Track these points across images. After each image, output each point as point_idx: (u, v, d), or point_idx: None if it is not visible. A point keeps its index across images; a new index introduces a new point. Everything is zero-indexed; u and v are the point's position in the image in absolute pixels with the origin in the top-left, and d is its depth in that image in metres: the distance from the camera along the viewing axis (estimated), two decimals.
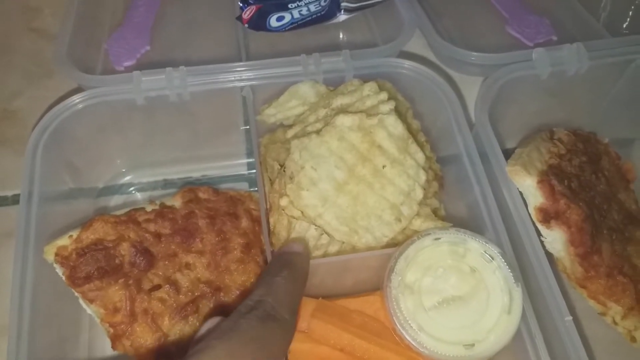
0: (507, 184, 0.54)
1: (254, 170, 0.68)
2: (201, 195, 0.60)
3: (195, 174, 0.68)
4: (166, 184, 0.68)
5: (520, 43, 0.75)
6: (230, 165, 0.68)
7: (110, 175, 0.67)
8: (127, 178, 0.67)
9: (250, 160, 0.69)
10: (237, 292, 0.55)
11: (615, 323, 0.57)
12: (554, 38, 0.76)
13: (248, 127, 0.66)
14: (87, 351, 0.56)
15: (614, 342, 0.60)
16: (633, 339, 0.58)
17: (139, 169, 0.68)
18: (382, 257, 0.51)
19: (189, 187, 0.60)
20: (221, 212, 0.58)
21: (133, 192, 0.67)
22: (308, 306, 0.52)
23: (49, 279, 0.51)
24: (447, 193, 0.59)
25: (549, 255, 0.55)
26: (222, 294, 0.54)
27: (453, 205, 0.59)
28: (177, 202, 0.58)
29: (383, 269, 0.50)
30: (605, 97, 0.70)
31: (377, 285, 0.54)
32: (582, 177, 0.58)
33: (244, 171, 0.69)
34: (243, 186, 0.68)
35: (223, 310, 0.53)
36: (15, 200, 0.65)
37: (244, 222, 0.58)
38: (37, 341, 0.47)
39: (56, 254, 0.49)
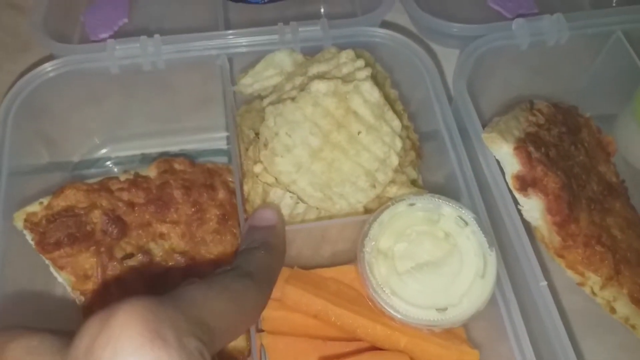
0: (483, 152, 0.54)
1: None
2: (177, 166, 0.59)
3: (174, 148, 0.67)
4: (144, 158, 0.67)
5: (502, 17, 0.75)
6: (209, 138, 0.68)
7: (86, 149, 0.66)
8: (104, 151, 0.66)
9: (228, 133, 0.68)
10: (213, 264, 0.54)
11: (594, 294, 0.57)
12: (536, 11, 0.76)
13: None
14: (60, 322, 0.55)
15: (595, 315, 0.60)
16: (612, 310, 0.57)
17: (116, 142, 0.67)
18: (358, 225, 0.50)
19: (165, 158, 0.59)
20: (197, 183, 0.57)
21: (110, 165, 0.66)
22: (282, 274, 0.51)
23: (19, 248, 0.50)
24: (425, 165, 0.58)
25: (527, 224, 0.55)
26: (197, 264, 0.54)
27: (431, 176, 0.58)
28: (152, 172, 0.57)
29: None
30: (587, 71, 0.70)
31: (354, 258, 0.54)
32: (561, 146, 0.58)
33: (223, 145, 0.69)
34: (222, 160, 0.67)
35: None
36: None
37: (221, 194, 0.58)
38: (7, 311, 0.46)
39: (25, 220, 0.49)
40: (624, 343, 0.59)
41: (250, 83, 0.59)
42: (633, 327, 0.58)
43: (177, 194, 0.56)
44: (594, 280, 0.56)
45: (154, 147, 0.67)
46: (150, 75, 0.60)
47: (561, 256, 0.56)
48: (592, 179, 0.60)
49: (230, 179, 0.59)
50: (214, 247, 0.55)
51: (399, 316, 0.45)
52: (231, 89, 0.59)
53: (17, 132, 0.54)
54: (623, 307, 0.57)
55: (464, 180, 0.52)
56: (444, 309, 0.45)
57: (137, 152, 0.67)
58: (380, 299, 0.46)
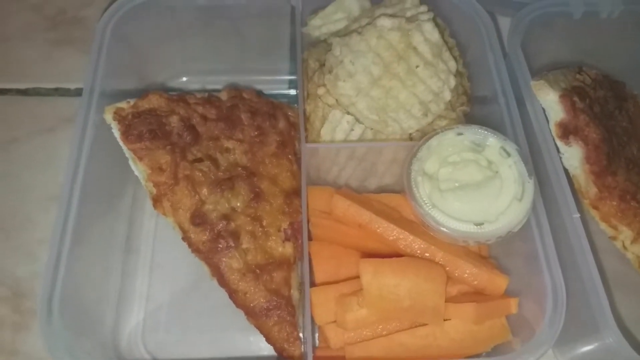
0: (531, 99, 0.57)
1: (294, 91, 0.73)
2: (245, 95, 0.65)
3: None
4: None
5: None
6: (274, 80, 0.74)
7: (165, 76, 0.73)
8: (180, 81, 0.73)
9: (292, 77, 0.73)
10: (269, 181, 0.59)
11: (625, 248, 0.59)
12: None
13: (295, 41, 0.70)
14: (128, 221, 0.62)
15: (625, 275, 0.62)
16: None
17: (192, 74, 0.74)
18: (406, 150, 0.55)
19: (235, 87, 0.65)
20: (262, 111, 0.63)
21: None
22: (329, 192, 0.56)
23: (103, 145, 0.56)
24: (475, 110, 0.62)
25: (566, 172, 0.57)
26: (255, 179, 0.59)
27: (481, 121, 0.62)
28: (223, 96, 0.63)
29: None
30: (637, 51, 0.72)
31: (399, 192, 0.58)
32: (605, 107, 0.61)
33: (285, 90, 0.75)
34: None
35: (255, 193, 0.58)
36: (77, 92, 0.72)
37: (281, 124, 0.63)
38: (87, 201, 0.52)
39: (115, 113, 0.55)
40: None
41: (319, 25, 0.64)
42: None
43: (244, 116, 0.62)
44: (626, 234, 0.58)
45: (223, 83, 0.73)
46: (229, 12, 0.66)
47: (596, 207, 0.59)
48: (633, 144, 0.63)
49: (290, 113, 0.64)
50: (271, 167, 0.60)
51: (437, 226, 0.49)
52: (301, 29, 0.64)
53: (111, 45, 0.60)
54: None
55: (509, 115, 0.56)
56: (481, 224, 0.49)
57: (209, 86, 0.73)
58: (422, 210, 0.50)
